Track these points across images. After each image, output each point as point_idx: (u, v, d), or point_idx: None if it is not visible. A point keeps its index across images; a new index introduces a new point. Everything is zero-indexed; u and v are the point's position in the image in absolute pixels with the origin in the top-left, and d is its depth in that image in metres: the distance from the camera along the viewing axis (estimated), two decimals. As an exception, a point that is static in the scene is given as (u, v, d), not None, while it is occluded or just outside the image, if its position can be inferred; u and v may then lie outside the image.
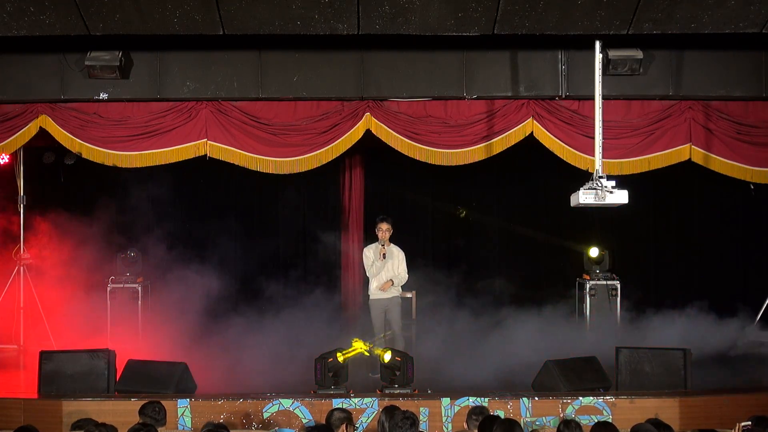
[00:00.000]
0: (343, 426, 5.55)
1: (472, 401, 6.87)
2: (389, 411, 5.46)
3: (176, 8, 7.27)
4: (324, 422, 6.18)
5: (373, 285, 8.93)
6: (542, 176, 11.18)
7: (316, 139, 9.04)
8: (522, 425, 6.54)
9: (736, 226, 11.49)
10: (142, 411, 5.82)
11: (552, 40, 8.18)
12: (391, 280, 8.83)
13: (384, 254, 8.80)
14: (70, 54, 8.69)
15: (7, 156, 10.24)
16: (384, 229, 8.83)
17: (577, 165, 8.97)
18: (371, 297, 8.96)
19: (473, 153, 9.05)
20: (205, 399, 7.01)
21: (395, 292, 8.91)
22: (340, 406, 6.48)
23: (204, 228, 10.92)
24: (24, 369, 9.32)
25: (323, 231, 11.66)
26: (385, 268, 8.86)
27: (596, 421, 5.80)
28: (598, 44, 7.96)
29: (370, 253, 8.93)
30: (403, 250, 9.03)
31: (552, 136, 9.04)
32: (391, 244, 8.90)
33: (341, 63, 8.81)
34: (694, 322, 10.50)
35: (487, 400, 6.94)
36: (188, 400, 6.90)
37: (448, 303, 10.67)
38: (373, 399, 6.99)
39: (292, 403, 6.96)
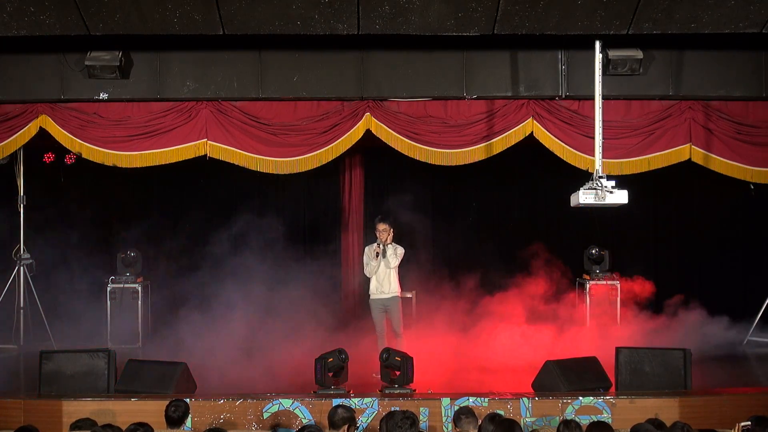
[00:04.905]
0: (346, 426, 5.53)
1: (472, 401, 6.86)
2: (389, 413, 5.47)
3: (176, 8, 7.27)
4: (323, 422, 6.18)
5: (372, 284, 8.86)
6: (542, 176, 11.18)
7: (316, 139, 9.05)
8: (522, 425, 6.55)
9: (736, 226, 11.49)
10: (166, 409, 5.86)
11: (552, 40, 8.19)
12: (382, 249, 8.68)
13: (378, 253, 8.68)
14: (70, 54, 8.70)
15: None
16: (380, 230, 8.72)
17: (577, 165, 8.97)
18: (371, 297, 8.89)
19: (473, 153, 9.06)
20: (205, 399, 7.00)
21: (394, 291, 8.86)
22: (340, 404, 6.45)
23: (204, 228, 10.92)
24: (24, 369, 9.31)
25: (323, 231, 11.66)
26: (381, 266, 8.79)
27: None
28: (598, 44, 7.97)
29: (369, 251, 8.88)
30: (405, 249, 8.98)
31: (552, 136, 9.04)
32: (392, 243, 8.79)
33: (341, 63, 8.81)
34: (694, 322, 10.51)
35: (487, 400, 6.94)
36: (188, 400, 6.88)
37: (448, 303, 10.67)
38: (373, 399, 6.98)
39: (292, 403, 6.95)
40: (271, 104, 9.03)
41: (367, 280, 9.45)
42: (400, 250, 8.80)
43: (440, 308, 10.58)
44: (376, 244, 8.75)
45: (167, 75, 8.82)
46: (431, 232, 11.40)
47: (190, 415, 6.78)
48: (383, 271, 8.77)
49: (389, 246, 8.71)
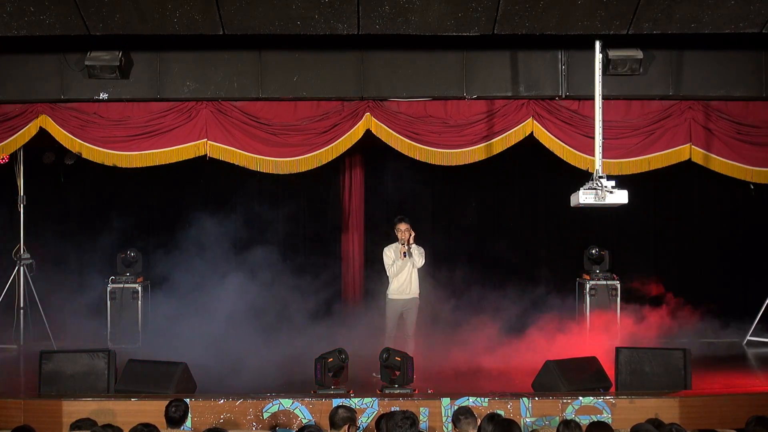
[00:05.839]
0: (346, 426, 5.52)
1: (472, 401, 6.86)
2: (389, 413, 5.47)
3: (176, 8, 7.27)
4: (323, 422, 6.18)
5: (393, 285, 8.77)
6: (542, 176, 11.18)
7: (316, 139, 9.04)
8: (522, 425, 6.56)
9: (736, 227, 11.49)
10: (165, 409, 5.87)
11: (552, 40, 8.19)
12: (409, 245, 8.64)
13: (404, 253, 8.60)
14: (70, 54, 8.70)
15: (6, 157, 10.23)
16: (402, 230, 8.64)
17: (577, 165, 8.97)
18: (389, 297, 8.78)
19: (473, 153, 9.05)
20: (205, 399, 7.01)
21: (414, 293, 8.79)
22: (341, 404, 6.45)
23: (203, 228, 10.92)
24: (24, 369, 9.31)
25: (323, 231, 11.66)
26: (407, 267, 8.72)
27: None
28: (598, 44, 7.97)
29: (390, 252, 8.73)
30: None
31: (552, 136, 9.04)
32: (413, 245, 8.72)
33: (341, 63, 8.81)
34: (694, 322, 10.52)
35: (487, 400, 6.94)
36: (188, 400, 6.89)
37: (449, 302, 10.68)
38: (373, 399, 6.98)
39: (292, 403, 6.95)
40: (271, 104, 9.03)
41: (370, 280, 9.47)
42: (422, 250, 8.77)
43: (440, 308, 10.59)
44: (400, 245, 8.68)
45: (167, 75, 8.82)
46: (431, 231, 11.39)
47: (190, 415, 6.79)
48: (407, 272, 8.70)
49: (412, 246, 8.70)
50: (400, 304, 8.74)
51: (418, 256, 8.68)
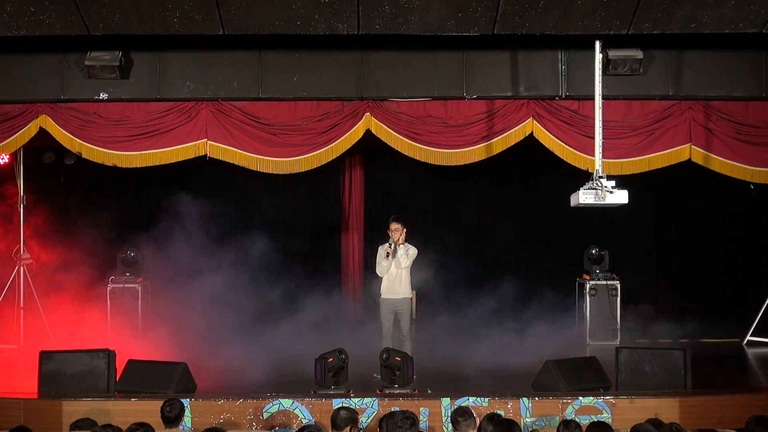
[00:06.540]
0: (348, 428, 5.52)
1: (472, 401, 6.86)
2: (389, 413, 5.47)
3: (176, 8, 7.28)
4: (323, 422, 6.19)
5: (384, 284, 8.71)
6: (542, 176, 11.18)
7: (316, 139, 9.05)
8: (522, 425, 6.56)
9: (736, 226, 11.49)
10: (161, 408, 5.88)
11: (552, 40, 8.19)
12: (392, 248, 8.60)
13: (388, 253, 8.56)
14: (70, 54, 8.71)
15: (7, 156, 10.24)
16: (393, 229, 8.61)
17: (577, 165, 8.97)
18: (381, 296, 8.74)
19: (473, 153, 9.06)
20: (205, 399, 7.01)
21: (405, 293, 8.74)
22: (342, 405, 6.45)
23: (204, 228, 10.92)
24: (24, 369, 9.32)
25: (323, 231, 11.66)
26: (393, 267, 8.69)
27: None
28: (598, 44, 7.97)
29: (381, 250, 8.71)
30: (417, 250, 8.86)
31: (552, 136, 9.04)
32: (405, 243, 8.67)
33: (341, 63, 8.81)
34: (694, 322, 10.52)
35: (487, 400, 6.94)
36: (188, 400, 6.89)
37: (448, 303, 10.68)
38: (373, 399, 6.99)
39: (292, 403, 6.96)
40: (271, 104, 9.03)
41: (370, 280, 9.42)
42: (413, 251, 8.65)
43: (440, 308, 10.60)
44: (387, 244, 8.67)
45: (167, 75, 8.82)
46: (431, 231, 11.40)
47: (189, 415, 6.80)
48: (395, 272, 8.62)
49: (401, 246, 8.61)
50: (391, 304, 8.68)
51: (403, 256, 8.59)
